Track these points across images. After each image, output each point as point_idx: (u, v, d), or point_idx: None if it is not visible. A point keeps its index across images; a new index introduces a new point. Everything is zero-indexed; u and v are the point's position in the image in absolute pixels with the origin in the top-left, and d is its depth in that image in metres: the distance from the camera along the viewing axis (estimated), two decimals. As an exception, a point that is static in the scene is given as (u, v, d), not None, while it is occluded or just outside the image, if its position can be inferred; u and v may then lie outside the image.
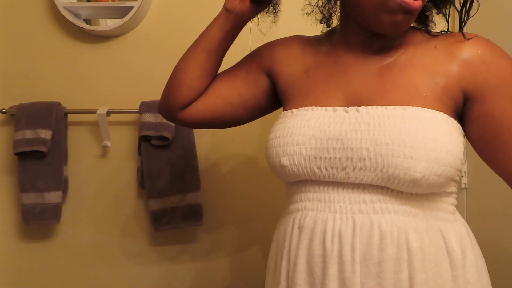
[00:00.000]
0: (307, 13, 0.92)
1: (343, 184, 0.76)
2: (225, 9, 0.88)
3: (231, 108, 0.93)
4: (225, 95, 0.93)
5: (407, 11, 0.73)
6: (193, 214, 1.41)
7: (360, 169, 0.73)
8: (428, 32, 0.83)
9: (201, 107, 0.93)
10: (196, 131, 1.41)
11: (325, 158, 0.75)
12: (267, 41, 0.95)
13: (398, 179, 0.71)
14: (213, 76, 0.94)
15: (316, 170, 0.77)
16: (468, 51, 0.76)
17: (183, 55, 0.93)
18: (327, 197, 0.77)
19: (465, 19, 0.79)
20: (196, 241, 1.48)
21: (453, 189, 0.80)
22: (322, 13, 0.91)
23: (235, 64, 0.97)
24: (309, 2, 0.92)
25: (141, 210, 1.48)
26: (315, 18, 0.92)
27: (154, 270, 1.49)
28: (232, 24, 0.89)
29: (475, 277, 0.75)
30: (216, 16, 0.90)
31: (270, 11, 0.92)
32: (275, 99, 0.94)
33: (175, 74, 0.93)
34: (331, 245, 0.74)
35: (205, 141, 1.46)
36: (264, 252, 1.46)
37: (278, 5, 0.91)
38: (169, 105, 0.94)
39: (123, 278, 1.49)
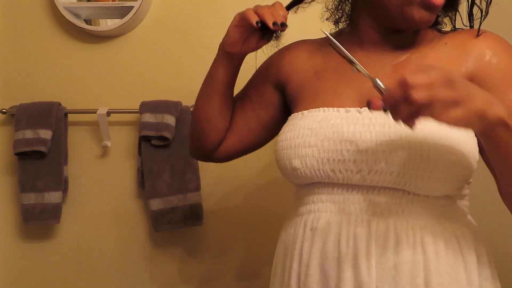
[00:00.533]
0: (327, 19, 0.90)
1: (357, 186, 0.74)
2: (227, 53, 0.86)
3: (256, 135, 0.96)
4: (249, 125, 0.95)
5: (430, 7, 0.73)
6: (193, 214, 1.41)
7: (376, 172, 0.71)
8: (439, 30, 0.84)
9: (232, 144, 0.96)
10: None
11: (339, 160, 0.73)
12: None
13: (416, 182, 0.69)
14: (231, 108, 0.95)
15: (330, 173, 0.74)
16: (477, 47, 0.76)
17: (197, 104, 0.94)
18: (341, 199, 0.75)
19: (483, 14, 0.78)
20: (196, 241, 1.48)
21: (467, 191, 0.79)
22: (340, 11, 0.88)
23: (247, 87, 0.97)
24: (326, 7, 0.90)
25: (141, 210, 1.48)
26: (333, 20, 0.90)
27: (155, 270, 1.48)
28: (237, 62, 0.88)
29: (489, 282, 0.74)
30: (218, 58, 0.88)
31: (273, 36, 0.89)
32: (287, 111, 0.92)
33: (197, 125, 0.94)
34: (346, 248, 0.72)
35: (205, 141, 1.46)
36: (266, 252, 1.46)
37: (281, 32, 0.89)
38: (203, 152, 0.97)
39: (123, 278, 1.48)
